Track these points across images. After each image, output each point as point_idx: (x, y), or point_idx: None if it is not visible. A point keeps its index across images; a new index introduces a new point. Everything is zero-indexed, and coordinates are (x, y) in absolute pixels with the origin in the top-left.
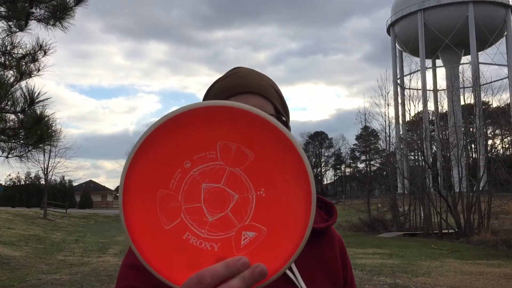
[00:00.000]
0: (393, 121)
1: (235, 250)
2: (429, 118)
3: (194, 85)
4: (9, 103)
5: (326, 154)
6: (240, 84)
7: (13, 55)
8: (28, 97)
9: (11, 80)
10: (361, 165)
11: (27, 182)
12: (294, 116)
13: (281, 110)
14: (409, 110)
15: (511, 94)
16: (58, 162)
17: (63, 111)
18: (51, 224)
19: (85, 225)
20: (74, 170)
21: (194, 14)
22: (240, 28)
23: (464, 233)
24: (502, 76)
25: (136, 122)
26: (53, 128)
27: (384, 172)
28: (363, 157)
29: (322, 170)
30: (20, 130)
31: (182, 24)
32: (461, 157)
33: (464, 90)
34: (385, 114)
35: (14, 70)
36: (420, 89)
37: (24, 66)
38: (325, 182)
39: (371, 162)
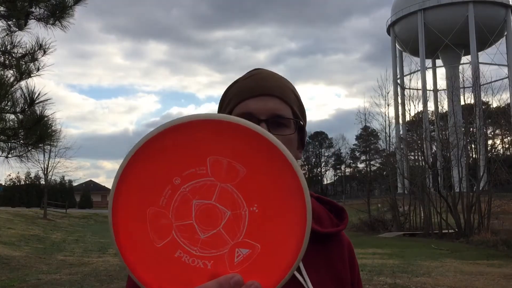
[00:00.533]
0: (393, 121)
1: (228, 268)
2: (429, 118)
3: (194, 85)
4: (9, 103)
5: (326, 154)
6: (260, 86)
7: (13, 55)
8: (28, 98)
9: (11, 80)
10: (361, 165)
11: (27, 182)
12: None
13: (298, 114)
14: (409, 110)
15: (511, 94)
16: (58, 162)
17: (63, 111)
18: (51, 224)
19: (85, 225)
20: (74, 170)
21: (194, 14)
22: (240, 28)
23: (464, 233)
24: (502, 76)
25: (136, 122)
26: (52, 128)
27: (384, 172)
28: (363, 157)
29: (322, 170)
30: (20, 130)
31: (181, 24)
32: (461, 157)
33: (464, 90)
34: (385, 114)
35: (14, 69)
36: (420, 89)
37: (24, 66)
38: (325, 182)
39: (371, 162)
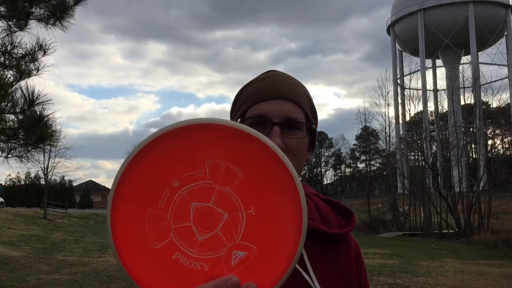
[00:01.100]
0: (393, 121)
1: (225, 270)
2: (429, 118)
3: (194, 85)
4: (9, 103)
5: (326, 154)
6: (274, 89)
7: (13, 55)
8: (28, 98)
9: (11, 80)
10: (361, 165)
11: (27, 182)
12: None
13: (311, 118)
14: (409, 110)
15: (511, 94)
16: (58, 162)
17: (63, 111)
18: (51, 224)
19: (85, 225)
20: (74, 170)
21: (193, 14)
22: (239, 28)
23: (464, 233)
24: (502, 76)
25: (136, 122)
26: (52, 128)
27: (384, 172)
28: (363, 157)
29: (322, 170)
30: (20, 131)
31: (181, 24)
32: (461, 157)
33: (464, 90)
34: (385, 114)
35: (14, 70)
36: (420, 89)
37: (23, 66)
38: (325, 182)
39: (371, 162)
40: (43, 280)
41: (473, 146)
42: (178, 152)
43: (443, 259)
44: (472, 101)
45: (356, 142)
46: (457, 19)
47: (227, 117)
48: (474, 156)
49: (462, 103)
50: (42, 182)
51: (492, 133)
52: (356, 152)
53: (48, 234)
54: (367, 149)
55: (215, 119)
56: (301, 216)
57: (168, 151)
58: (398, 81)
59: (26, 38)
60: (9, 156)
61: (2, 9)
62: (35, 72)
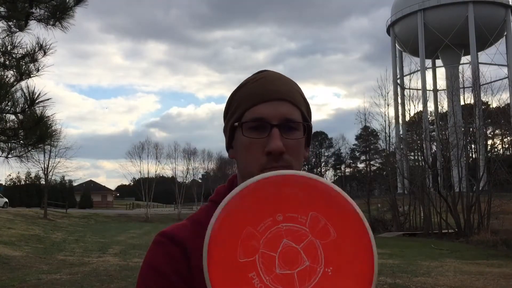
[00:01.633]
0: (393, 121)
1: None
2: (429, 118)
3: (193, 85)
4: (9, 103)
5: (326, 154)
6: (270, 90)
7: (13, 55)
8: (28, 98)
9: (11, 80)
10: (361, 165)
11: (27, 182)
12: None
13: (307, 116)
14: (409, 110)
15: (511, 94)
16: (58, 162)
17: (63, 111)
18: (51, 224)
19: (85, 225)
20: (74, 170)
21: (193, 14)
22: (239, 28)
23: (464, 233)
24: (502, 76)
25: (136, 122)
26: (53, 128)
27: (384, 172)
28: (363, 157)
29: (322, 170)
30: (20, 131)
31: (180, 24)
32: (461, 157)
33: (464, 90)
34: (385, 114)
35: (14, 70)
36: (420, 89)
37: (24, 66)
38: None
39: (371, 162)
40: (43, 280)
41: (473, 146)
42: (292, 192)
43: (443, 259)
44: (472, 101)
45: (356, 142)
46: (457, 19)
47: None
48: (474, 156)
49: (462, 103)
50: (42, 182)
51: (492, 133)
52: (356, 152)
53: (48, 234)
54: (367, 149)
55: (331, 184)
56: (371, 282)
57: (285, 187)
58: (398, 81)
59: (26, 39)
60: (9, 156)
61: (2, 9)
62: (35, 73)
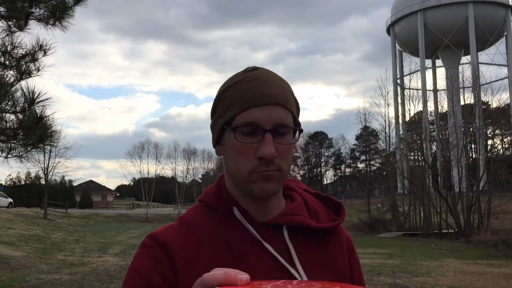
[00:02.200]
0: (393, 121)
1: None
2: (429, 118)
3: (193, 85)
4: (9, 103)
5: (326, 154)
6: (264, 94)
7: (13, 55)
8: (28, 97)
9: (11, 80)
10: (361, 165)
11: (27, 182)
12: None
13: (297, 118)
14: (409, 110)
15: (511, 94)
16: (58, 162)
17: (63, 111)
18: (51, 224)
19: (85, 225)
20: (74, 170)
21: (192, 14)
22: (239, 28)
23: (464, 233)
24: (502, 76)
25: (136, 122)
26: (53, 128)
27: (384, 172)
28: (363, 157)
29: (322, 170)
30: (20, 131)
31: (180, 24)
32: (461, 157)
33: (464, 90)
34: (385, 114)
35: (14, 70)
36: (420, 89)
37: (24, 66)
38: (325, 182)
39: (371, 162)
40: (43, 280)
41: (473, 146)
42: None
43: (443, 259)
44: (472, 101)
45: (356, 142)
46: (457, 19)
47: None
48: (474, 156)
49: (462, 103)
50: (42, 182)
51: (492, 133)
52: (356, 152)
53: (48, 234)
54: (367, 149)
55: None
56: None
57: None
58: (398, 81)
59: (26, 39)
60: (9, 156)
61: (2, 9)
62: (35, 72)
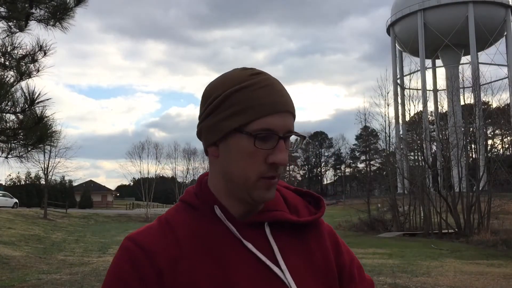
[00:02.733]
0: (393, 121)
1: None
2: (429, 118)
3: (193, 85)
4: (9, 103)
5: (326, 154)
6: (281, 103)
7: (13, 56)
8: (28, 98)
9: (11, 80)
10: (361, 165)
11: (27, 182)
12: None
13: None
14: (409, 110)
15: (511, 94)
16: (58, 162)
17: (63, 111)
18: (51, 224)
19: (85, 225)
20: (74, 170)
21: (192, 14)
22: (238, 28)
23: (464, 233)
24: (502, 76)
25: (136, 122)
26: (53, 128)
27: (384, 172)
28: (363, 157)
29: (322, 170)
30: (20, 131)
31: (180, 24)
32: (461, 157)
33: (464, 90)
34: (385, 114)
35: (14, 70)
36: (420, 89)
37: (24, 67)
38: (325, 182)
39: (371, 162)
40: (43, 280)
41: (473, 146)
42: None
43: (443, 259)
44: (472, 101)
45: (356, 142)
46: (457, 19)
47: None
48: (474, 156)
49: (462, 103)
50: (42, 182)
51: (492, 133)
52: (356, 152)
53: (48, 234)
54: (367, 149)
55: None
56: None
57: None
58: (398, 81)
59: (26, 39)
60: (9, 156)
61: (2, 9)
62: (35, 73)
